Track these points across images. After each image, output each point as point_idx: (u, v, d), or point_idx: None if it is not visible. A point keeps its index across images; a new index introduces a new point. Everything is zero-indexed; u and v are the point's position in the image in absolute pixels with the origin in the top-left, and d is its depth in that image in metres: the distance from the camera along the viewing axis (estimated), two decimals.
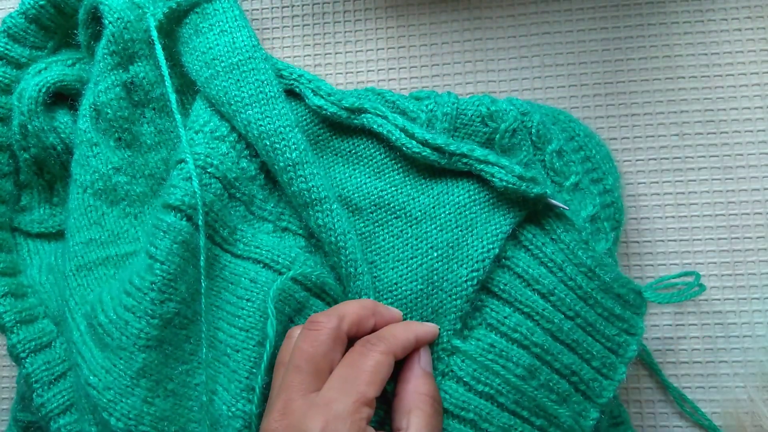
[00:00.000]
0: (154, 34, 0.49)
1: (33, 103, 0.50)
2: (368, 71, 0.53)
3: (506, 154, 0.46)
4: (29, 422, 0.51)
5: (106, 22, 0.48)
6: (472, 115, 0.46)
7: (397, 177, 0.46)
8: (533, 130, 0.46)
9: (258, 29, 0.55)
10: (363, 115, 0.47)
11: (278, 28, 0.55)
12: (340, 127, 0.48)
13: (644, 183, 0.49)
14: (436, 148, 0.44)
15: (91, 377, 0.42)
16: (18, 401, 0.51)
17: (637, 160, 0.49)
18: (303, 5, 0.54)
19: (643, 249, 0.49)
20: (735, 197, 0.48)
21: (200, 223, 0.44)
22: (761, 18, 0.48)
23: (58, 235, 0.53)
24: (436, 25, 0.52)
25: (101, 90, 0.48)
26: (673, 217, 0.48)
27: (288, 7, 0.55)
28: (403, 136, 0.45)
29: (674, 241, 0.48)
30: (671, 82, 0.49)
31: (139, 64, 0.49)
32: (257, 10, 0.55)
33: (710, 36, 0.49)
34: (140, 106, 0.50)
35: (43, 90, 0.50)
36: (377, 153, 0.47)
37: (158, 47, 0.49)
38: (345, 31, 0.53)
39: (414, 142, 0.45)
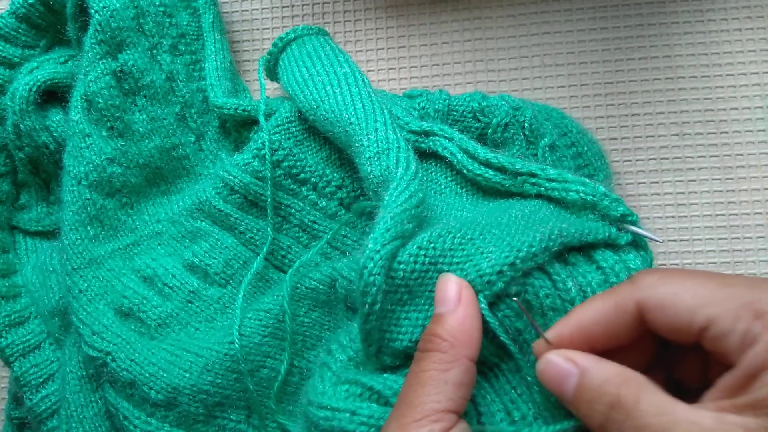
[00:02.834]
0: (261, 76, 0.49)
1: (24, 102, 0.49)
2: (368, 71, 0.51)
3: (499, 148, 0.44)
4: (24, 420, 0.51)
5: (92, 11, 0.46)
6: (463, 111, 0.45)
7: (457, 199, 0.42)
8: (526, 125, 0.44)
9: (258, 29, 0.54)
10: (430, 138, 0.43)
11: (278, 28, 0.53)
12: None
13: (644, 183, 0.48)
14: (500, 168, 0.39)
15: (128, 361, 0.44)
16: (11, 400, 0.51)
17: (637, 160, 0.48)
18: (303, 5, 0.53)
19: None
20: (735, 197, 0.47)
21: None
22: (761, 18, 0.47)
23: (54, 234, 0.52)
24: (436, 25, 0.51)
25: (91, 80, 0.47)
26: (673, 217, 0.47)
27: (288, 7, 0.53)
28: (465, 158, 0.41)
29: (674, 241, 0.47)
30: (671, 82, 0.48)
31: (128, 52, 0.47)
32: (257, 10, 0.53)
33: (710, 36, 0.48)
34: (131, 95, 0.48)
35: (34, 89, 0.49)
36: (442, 177, 0.43)
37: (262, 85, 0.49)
38: (345, 31, 0.52)
39: (476, 164, 0.40)
